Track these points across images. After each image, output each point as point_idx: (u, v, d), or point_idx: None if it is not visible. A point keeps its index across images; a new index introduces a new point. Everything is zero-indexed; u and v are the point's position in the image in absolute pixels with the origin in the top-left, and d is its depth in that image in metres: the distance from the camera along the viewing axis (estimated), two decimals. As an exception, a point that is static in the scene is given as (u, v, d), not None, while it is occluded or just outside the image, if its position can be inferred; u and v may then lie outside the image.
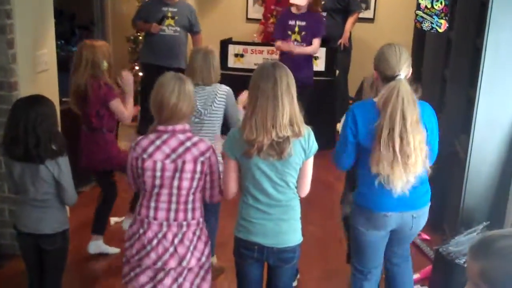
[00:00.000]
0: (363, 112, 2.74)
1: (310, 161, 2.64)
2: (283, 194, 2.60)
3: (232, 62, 6.59)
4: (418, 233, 4.42)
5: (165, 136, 2.62)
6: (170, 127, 2.62)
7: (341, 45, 6.83)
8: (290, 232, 2.64)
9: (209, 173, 2.68)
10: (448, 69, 4.50)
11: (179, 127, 2.64)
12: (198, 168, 2.62)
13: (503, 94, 3.68)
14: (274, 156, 2.50)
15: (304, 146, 2.55)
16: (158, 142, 2.61)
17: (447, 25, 3.96)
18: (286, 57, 5.35)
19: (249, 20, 7.94)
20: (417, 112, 2.64)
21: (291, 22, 5.56)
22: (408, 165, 2.62)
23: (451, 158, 4.24)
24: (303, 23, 5.56)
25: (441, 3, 3.98)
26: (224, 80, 3.77)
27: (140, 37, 6.69)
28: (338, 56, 6.74)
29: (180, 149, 2.60)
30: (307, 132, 2.56)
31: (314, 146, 2.59)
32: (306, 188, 2.70)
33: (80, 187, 4.94)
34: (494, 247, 1.42)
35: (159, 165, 2.59)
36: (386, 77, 2.72)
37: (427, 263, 4.06)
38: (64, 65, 4.27)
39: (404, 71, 2.71)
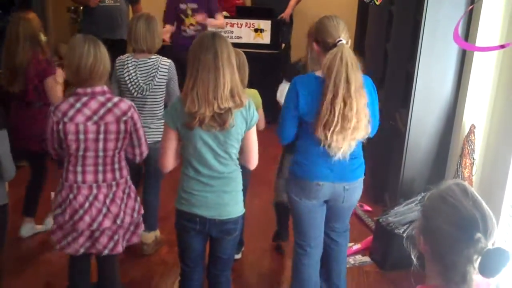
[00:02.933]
0: (305, 86, 2.75)
1: (253, 131, 2.64)
2: (225, 166, 2.59)
3: (176, 35, 6.48)
4: (360, 205, 4.55)
5: (84, 99, 2.63)
6: (89, 89, 2.63)
7: (282, 20, 6.77)
8: (232, 204, 2.65)
9: (134, 131, 2.73)
10: (390, 43, 4.57)
11: (98, 89, 2.65)
12: (122, 128, 2.67)
13: (441, 68, 3.76)
14: (216, 127, 2.48)
15: (245, 116, 2.55)
16: (78, 105, 2.62)
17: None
18: (182, 38, 5.31)
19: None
20: (360, 76, 2.67)
21: (182, 6, 5.36)
22: (347, 130, 2.64)
23: (391, 132, 4.33)
24: (195, 6, 5.37)
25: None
26: (168, 52, 3.71)
27: (81, 8, 6.48)
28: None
29: (102, 111, 2.62)
30: (248, 102, 2.56)
31: (255, 115, 2.59)
32: (254, 160, 2.70)
33: (20, 161, 4.80)
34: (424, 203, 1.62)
35: (81, 128, 2.61)
36: (328, 44, 2.73)
37: (369, 233, 4.16)
38: (2, 36, 4.11)
39: (344, 37, 2.73)
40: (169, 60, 3.56)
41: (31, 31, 3.66)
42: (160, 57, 3.55)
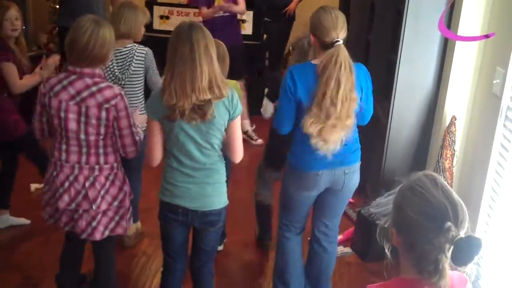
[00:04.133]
0: (301, 73, 2.74)
1: (237, 122, 2.61)
2: (208, 156, 2.57)
3: (157, 24, 6.44)
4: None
5: (72, 77, 2.62)
6: (78, 69, 2.62)
7: (285, 14, 6.75)
8: (215, 195, 2.64)
9: (116, 120, 2.65)
10: (371, 34, 4.57)
11: (87, 70, 2.62)
12: (103, 115, 2.62)
13: (423, 60, 3.77)
14: (197, 119, 2.46)
15: (228, 107, 2.52)
16: (65, 82, 2.62)
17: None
18: (211, 21, 5.26)
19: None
20: (353, 78, 2.68)
21: None
22: (327, 127, 2.66)
23: (373, 122, 4.32)
24: None
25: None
26: (148, 42, 3.66)
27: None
28: (276, 24, 6.68)
29: (85, 93, 2.60)
30: (231, 93, 2.53)
31: (238, 107, 2.57)
32: (238, 152, 2.67)
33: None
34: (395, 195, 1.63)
35: (63, 106, 2.61)
36: (325, 43, 2.72)
37: (350, 225, 4.17)
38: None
39: (342, 35, 2.73)
40: (146, 48, 3.47)
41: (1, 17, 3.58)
42: (137, 45, 3.46)
